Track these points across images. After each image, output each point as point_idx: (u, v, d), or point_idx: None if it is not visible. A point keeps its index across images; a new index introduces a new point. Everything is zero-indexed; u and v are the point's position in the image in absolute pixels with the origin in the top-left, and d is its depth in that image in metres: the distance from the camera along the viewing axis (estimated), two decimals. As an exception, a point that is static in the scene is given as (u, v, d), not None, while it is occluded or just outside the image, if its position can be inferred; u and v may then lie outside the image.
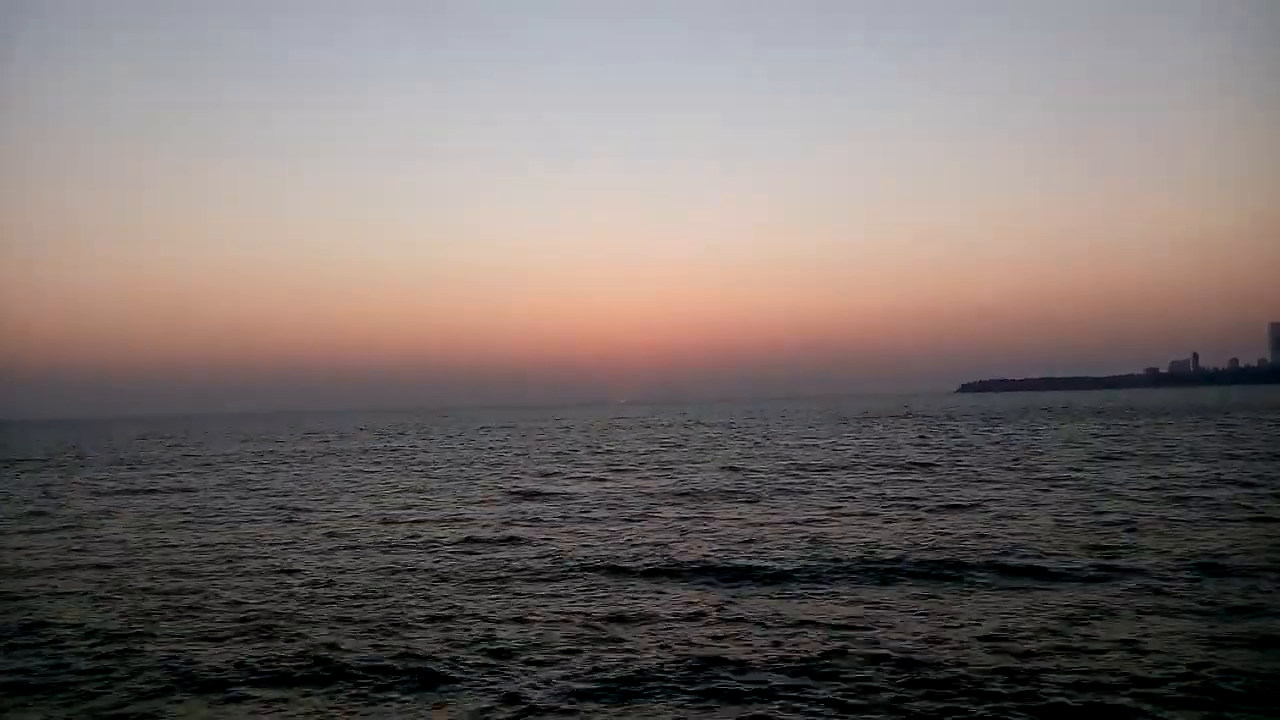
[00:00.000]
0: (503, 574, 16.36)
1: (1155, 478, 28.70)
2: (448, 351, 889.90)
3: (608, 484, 32.75)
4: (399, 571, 16.83)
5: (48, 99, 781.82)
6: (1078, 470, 32.08)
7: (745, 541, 19.02)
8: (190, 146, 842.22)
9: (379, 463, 48.53)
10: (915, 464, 36.83)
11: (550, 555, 18.09)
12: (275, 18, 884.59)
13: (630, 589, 14.87)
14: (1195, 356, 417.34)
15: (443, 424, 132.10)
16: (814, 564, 16.25)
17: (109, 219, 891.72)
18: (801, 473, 34.49)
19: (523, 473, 39.13)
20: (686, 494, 28.37)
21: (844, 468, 36.23)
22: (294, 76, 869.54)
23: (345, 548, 19.82)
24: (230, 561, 18.50)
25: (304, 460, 52.94)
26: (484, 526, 22.44)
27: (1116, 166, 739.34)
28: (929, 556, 16.57)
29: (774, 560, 16.74)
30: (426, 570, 16.91)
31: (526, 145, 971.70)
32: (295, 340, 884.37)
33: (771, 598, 14.03)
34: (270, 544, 20.67)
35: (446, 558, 18.20)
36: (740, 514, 23.41)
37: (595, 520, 23.08)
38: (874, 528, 20.36)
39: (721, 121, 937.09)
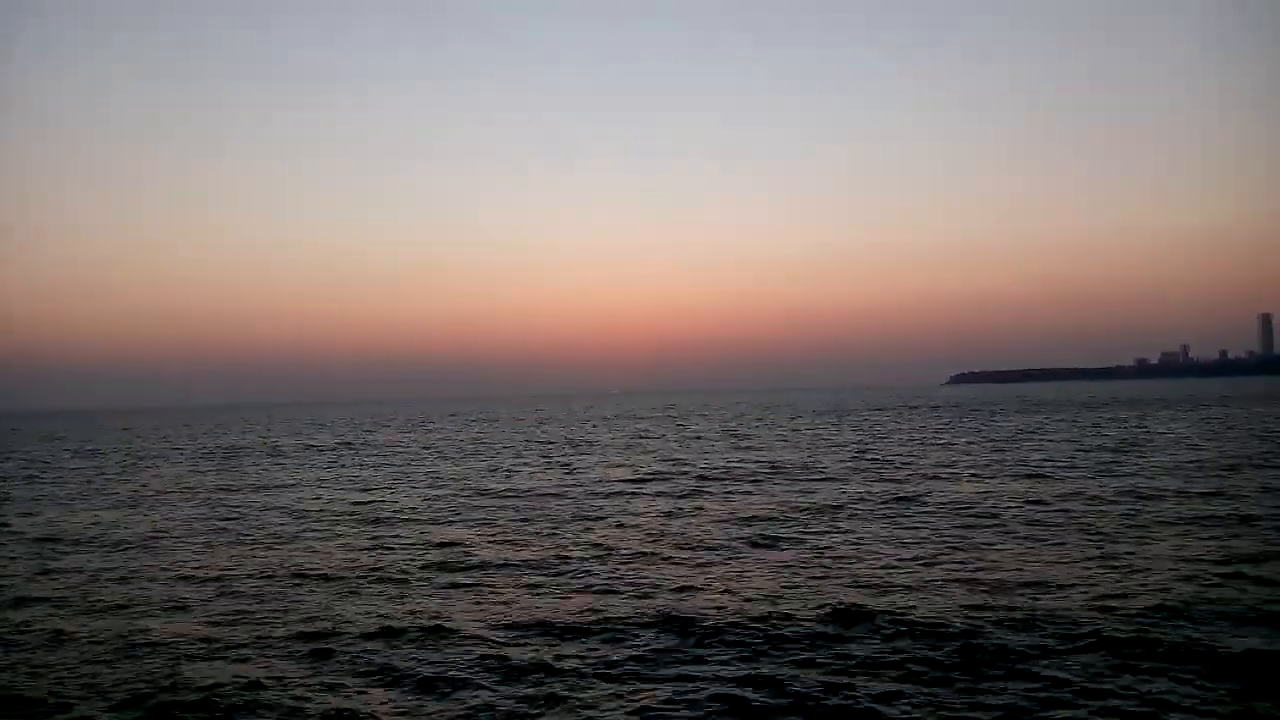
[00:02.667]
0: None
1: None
2: (447, 348, 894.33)
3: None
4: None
5: (48, 99, 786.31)
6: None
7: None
8: (190, 146, 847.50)
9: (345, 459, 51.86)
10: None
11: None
12: (275, 18, 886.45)
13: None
14: (1185, 348, 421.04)
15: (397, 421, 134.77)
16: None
17: (109, 219, 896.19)
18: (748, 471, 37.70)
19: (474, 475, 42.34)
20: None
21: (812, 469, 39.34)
22: (294, 76, 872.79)
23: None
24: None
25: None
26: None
27: (1115, 166, 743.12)
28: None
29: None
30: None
31: (526, 145, 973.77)
32: (295, 338, 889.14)
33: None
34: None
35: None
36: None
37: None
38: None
39: (721, 121, 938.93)
